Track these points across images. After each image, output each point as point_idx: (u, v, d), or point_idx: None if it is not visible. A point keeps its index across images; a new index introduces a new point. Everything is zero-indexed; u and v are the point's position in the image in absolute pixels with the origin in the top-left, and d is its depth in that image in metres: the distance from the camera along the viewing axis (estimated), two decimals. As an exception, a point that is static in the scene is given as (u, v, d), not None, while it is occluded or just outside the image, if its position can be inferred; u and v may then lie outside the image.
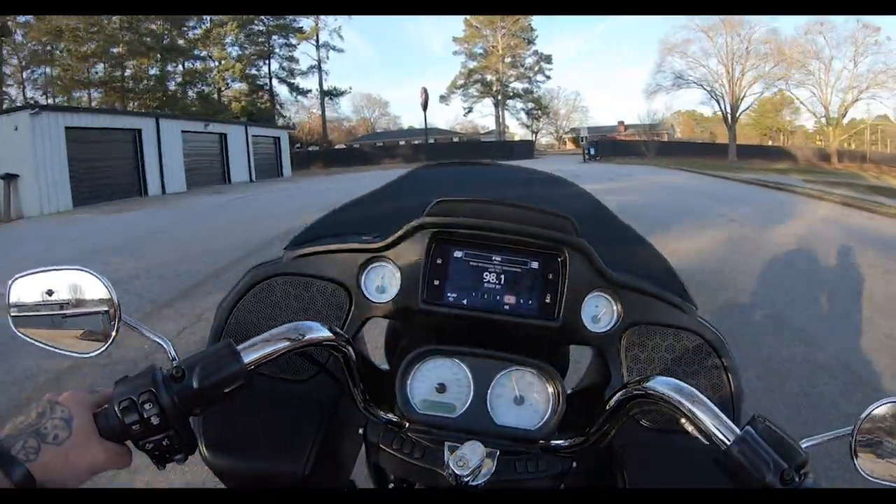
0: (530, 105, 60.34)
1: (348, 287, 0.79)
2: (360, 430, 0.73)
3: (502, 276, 0.75)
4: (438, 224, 0.75)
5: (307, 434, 0.73)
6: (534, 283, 0.76)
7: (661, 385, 0.62)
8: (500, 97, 55.08)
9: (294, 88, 46.53)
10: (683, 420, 0.61)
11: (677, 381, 0.63)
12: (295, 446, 0.72)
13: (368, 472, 0.80)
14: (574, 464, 0.71)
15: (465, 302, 0.75)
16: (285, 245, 0.84)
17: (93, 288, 0.63)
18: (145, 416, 0.56)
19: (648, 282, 0.80)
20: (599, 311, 0.78)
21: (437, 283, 0.75)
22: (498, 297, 0.75)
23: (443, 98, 56.63)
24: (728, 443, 0.56)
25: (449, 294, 0.75)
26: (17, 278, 0.65)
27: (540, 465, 0.68)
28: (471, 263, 0.76)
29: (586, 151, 34.72)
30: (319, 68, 46.69)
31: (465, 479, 0.62)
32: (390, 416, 0.71)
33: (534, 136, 62.01)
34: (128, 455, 0.59)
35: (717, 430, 0.58)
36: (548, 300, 0.75)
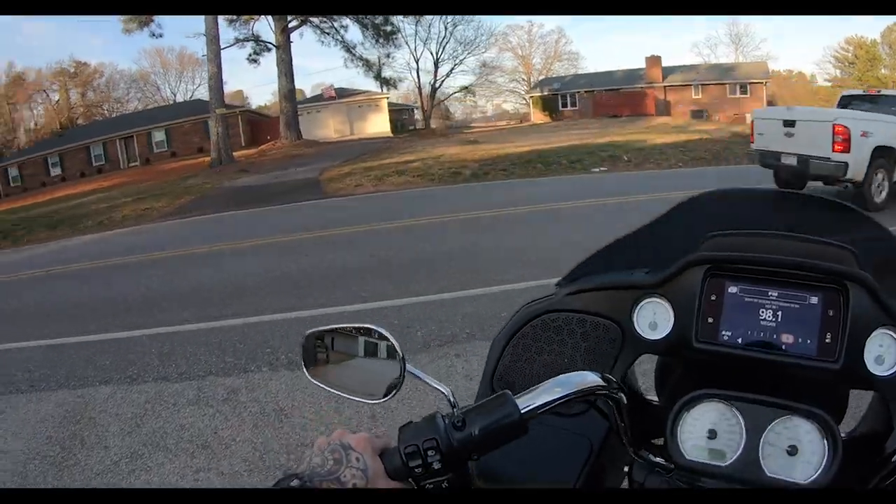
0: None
1: (620, 323, 0.80)
2: (626, 469, 0.74)
3: (779, 313, 0.73)
4: (713, 259, 0.74)
5: (574, 466, 0.76)
6: (813, 320, 0.72)
7: None
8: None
9: None
10: None
11: None
12: (562, 476, 0.75)
13: None
14: None
15: (739, 341, 0.73)
16: (556, 282, 0.86)
17: (380, 342, 0.71)
18: (428, 461, 0.62)
19: None
20: (884, 351, 0.72)
21: (710, 320, 0.74)
22: (774, 336, 0.72)
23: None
24: None
25: (723, 332, 0.74)
26: (309, 333, 0.71)
27: None
28: (746, 299, 0.74)
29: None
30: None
31: None
32: (659, 459, 0.72)
33: (423, 110, 28.84)
34: None
35: None
36: (828, 339, 0.71)
